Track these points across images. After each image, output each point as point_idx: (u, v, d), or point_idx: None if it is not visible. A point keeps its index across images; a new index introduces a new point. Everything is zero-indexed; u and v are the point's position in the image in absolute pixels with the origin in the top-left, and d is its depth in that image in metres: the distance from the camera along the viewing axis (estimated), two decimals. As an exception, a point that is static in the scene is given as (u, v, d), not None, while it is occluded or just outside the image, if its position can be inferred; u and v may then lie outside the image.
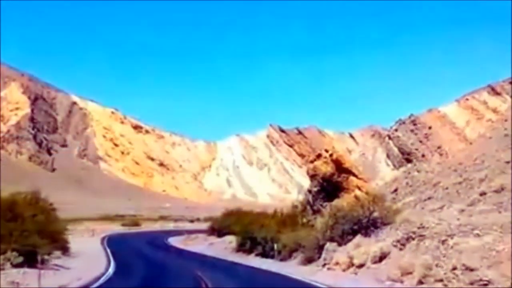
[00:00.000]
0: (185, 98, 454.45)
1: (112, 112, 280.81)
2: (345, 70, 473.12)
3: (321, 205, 39.79)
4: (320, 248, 29.93)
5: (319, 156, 40.77)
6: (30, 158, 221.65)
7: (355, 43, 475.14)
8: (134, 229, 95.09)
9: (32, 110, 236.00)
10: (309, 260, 30.68)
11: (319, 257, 29.52)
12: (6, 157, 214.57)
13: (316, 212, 39.68)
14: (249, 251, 41.13)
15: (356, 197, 37.12)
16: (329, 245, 29.21)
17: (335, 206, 33.38)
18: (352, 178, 39.64)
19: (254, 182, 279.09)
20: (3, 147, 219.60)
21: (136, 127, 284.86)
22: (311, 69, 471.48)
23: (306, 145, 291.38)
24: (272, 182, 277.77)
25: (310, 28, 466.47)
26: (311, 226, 36.42)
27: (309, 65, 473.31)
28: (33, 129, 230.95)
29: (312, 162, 41.00)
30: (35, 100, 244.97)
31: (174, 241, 63.19)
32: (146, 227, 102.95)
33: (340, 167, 39.45)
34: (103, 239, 63.06)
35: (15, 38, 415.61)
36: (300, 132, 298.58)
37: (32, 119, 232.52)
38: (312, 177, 40.12)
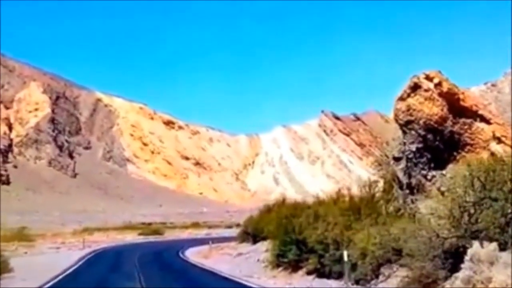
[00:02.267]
0: (221, 88, 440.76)
1: (140, 108, 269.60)
2: (406, 44, 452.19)
3: (425, 177, 23.49)
4: (446, 257, 15.27)
5: (415, 87, 23.82)
6: (49, 163, 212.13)
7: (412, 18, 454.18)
8: (151, 238, 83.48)
9: (53, 111, 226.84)
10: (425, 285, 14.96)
11: (447, 275, 15.02)
12: (24, 163, 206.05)
13: (414, 190, 23.58)
14: (295, 266, 25.49)
15: (493, 154, 20.86)
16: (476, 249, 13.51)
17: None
18: (479, 124, 23.13)
19: (305, 178, 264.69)
20: (21, 152, 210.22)
21: (168, 123, 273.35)
22: (365, 46, 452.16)
23: (366, 133, 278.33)
24: (327, 178, 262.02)
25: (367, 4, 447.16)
26: (410, 216, 21.39)
27: (363, 42, 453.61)
28: (53, 131, 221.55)
29: (403, 99, 24.00)
30: (56, 100, 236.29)
31: (192, 253, 48.86)
32: (170, 235, 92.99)
33: (456, 106, 23.09)
34: (88, 254, 48.50)
35: (36, 36, 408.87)
36: (358, 118, 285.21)
37: (52, 120, 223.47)
38: (406, 126, 23.56)
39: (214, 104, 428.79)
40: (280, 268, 27.34)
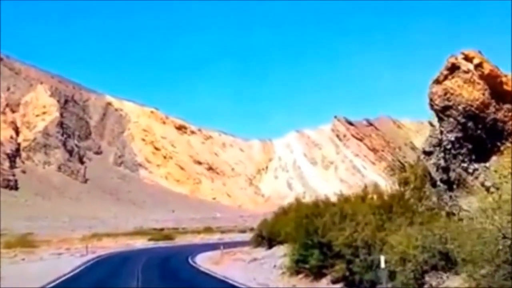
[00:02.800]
0: (234, 93, 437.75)
1: (152, 112, 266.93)
2: (418, 49, 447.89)
3: (466, 170, 20.23)
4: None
5: (453, 68, 20.58)
6: (59, 168, 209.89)
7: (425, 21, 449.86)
8: (162, 244, 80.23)
9: (62, 114, 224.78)
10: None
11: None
12: (32, 168, 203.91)
13: (453, 185, 20.37)
14: (318, 273, 22.41)
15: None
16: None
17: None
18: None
19: (319, 183, 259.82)
20: (29, 157, 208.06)
21: (180, 128, 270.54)
22: (378, 52, 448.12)
23: (379, 138, 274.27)
24: (341, 183, 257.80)
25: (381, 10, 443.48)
26: (449, 214, 18.39)
27: (376, 47, 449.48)
28: (62, 135, 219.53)
29: (439, 81, 20.76)
30: (65, 103, 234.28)
31: (203, 259, 45.62)
32: (181, 240, 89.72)
33: (499, 90, 19.86)
34: (90, 260, 45.48)
35: (42, 38, 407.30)
36: (370, 124, 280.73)
37: (61, 125, 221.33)
38: (443, 112, 20.35)
39: (226, 109, 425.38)
40: (301, 276, 24.18)
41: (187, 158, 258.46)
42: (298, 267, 24.54)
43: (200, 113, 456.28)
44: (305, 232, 23.47)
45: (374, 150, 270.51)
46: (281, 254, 30.98)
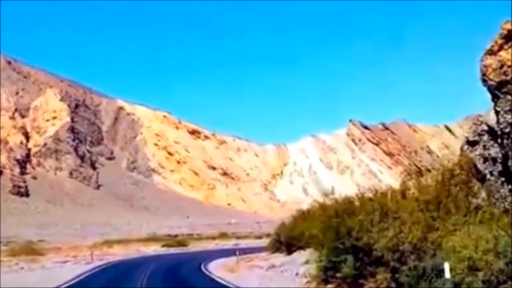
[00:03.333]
0: (248, 97, 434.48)
1: (165, 116, 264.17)
2: (434, 52, 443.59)
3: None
4: None
5: (510, 36, 17.05)
6: (71, 174, 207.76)
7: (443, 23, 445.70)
8: (174, 250, 77.83)
9: (72, 119, 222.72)
10: None
11: None
12: (43, 174, 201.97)
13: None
14: (352, 283, 19.02)
15: None
16: None
17: None
18: None
19: (335, 188, 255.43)
20: (40, 163, 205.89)
21: (194, 132, 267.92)
22: (393, 55, 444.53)
23: (395, 142, 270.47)
24: (357, 188, 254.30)
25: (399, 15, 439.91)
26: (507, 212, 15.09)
27: (391, 50, 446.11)
28: (73, 140, 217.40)
29: (493, 52, 17.21)
30: (75, 108, 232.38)
31: (216, 266, 42.23)
32: (195, 247, 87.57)
33: None
34: (93, 268, 42.23)
35: (52, 41, 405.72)
36: (386, 128, 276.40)
37: (72, 130, 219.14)
38: (499, 88, 16.81)
39: (241, 114, 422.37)
40: (330, 286, 20.64)
41: (201, 163, 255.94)
42: (326, 275, 20.99)
43: (214, 118, 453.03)
44: (335, 234, 19.91)
45: (390, 155, 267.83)
46: (303, 260, 27.63)
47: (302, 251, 31.36)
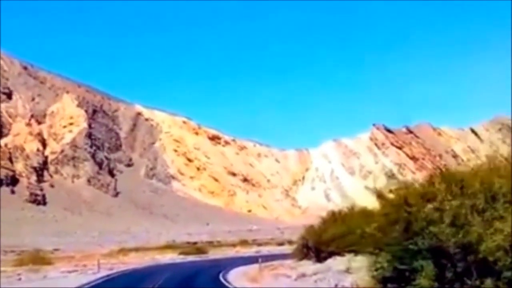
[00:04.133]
0: (269, 101, 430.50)
1: (184, 122, 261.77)
2: (457, 55, 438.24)
3: None
4: None
5: None
6: (89, 182, 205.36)
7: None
8: (192, 258, 73.74)
9: (90, 125, 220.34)
10: None
11: None
12: (61, 182, 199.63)
13: None
14: None
15: None
16: None
17: None
18: None
19: (358, 194, 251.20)
20: (57, 170, 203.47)
21: (213, 138, 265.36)
22: (416, 58, 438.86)
23: (419, 146, 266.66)
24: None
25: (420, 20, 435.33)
26: None
27: (415, 53, 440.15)
28: (91, 147, 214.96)
29: None
30: (93, 114, 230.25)
31: (237, 275, 38.16)
32: (214, 254, 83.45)
33: None
34: (99, 279, 38.26)
35: (68, 46, 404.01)
36: (410, 131, 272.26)
37: (90, 136, 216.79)
38: None
39: (261, 118, 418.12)
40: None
41: (221, 170, 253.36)
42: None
43: (234, 123, 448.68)
44: (403, 232, 14.78)
45: (414, 159, 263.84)
46: (341, 268, 23.19)
47: (337, 257, 26.89)
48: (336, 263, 25.99)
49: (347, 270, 21.67)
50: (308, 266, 33.30)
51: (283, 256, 50.79)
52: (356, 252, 28.03)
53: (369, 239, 16.96)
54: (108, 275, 40.85)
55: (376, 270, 15.75)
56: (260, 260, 40.43)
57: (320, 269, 26.75)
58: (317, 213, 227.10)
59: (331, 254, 34.04)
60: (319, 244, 35.50)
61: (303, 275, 27.16)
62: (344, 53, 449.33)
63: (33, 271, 47.75)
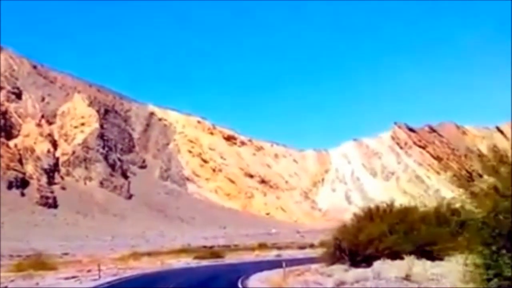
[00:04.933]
0: (286, 100, 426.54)
1: (199, 122, 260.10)
2: (480, 52, 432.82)
3: None
4: None
5: None
6: (101, 184, 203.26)
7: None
8: (207, 262, 69.40)
9: (102, 126, 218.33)
10: None
11: None
12: (72, 184, 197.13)
13: None
14: None
15: None
16: None
17: None
18: None
19: (380, 195, 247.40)
20: (69, 172, 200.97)
21: (229, 138, 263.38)
22: (438, 56, 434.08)
23: (443, 145, 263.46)
24: (404, 194, 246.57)
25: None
26: None
27: (436, 52, 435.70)
28: (103, 148, 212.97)
29: None
30: (105, 114, 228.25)
31: (259, 282, 33.89)
32: (231, 258, 79.37)
33: None
34: (96, 286, 34.01)
35: (80, 46, 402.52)
36: (433, 130, 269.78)
37: (102, 137, 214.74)
38: None
39: (278, 118, 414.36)
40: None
41: (238, 171, 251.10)
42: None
43: (250, 123, 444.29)
44: None
45: (438, 159, 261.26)
46: (394, 274, 18.42)
47: (387, 261, 22.27)
48: (386, 268, 21.30)
49: (407, 277, 17.10)
50: (343, 271, 28.71)
51: (308, 260, 47.38)
52: (417, 255, 23.52)
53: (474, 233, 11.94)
54: (109, 282, 36.72)
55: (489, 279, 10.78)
56: (284, 264, 35.81)
57: (362, 275, 22.07)
58: (338, 216, 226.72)
59: (367, 258, 29.61)
60: (354, 245, 30.95)
61: (342, 283, 22.48)
62: (364, 51, 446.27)
63: (29, 277, 43.83)
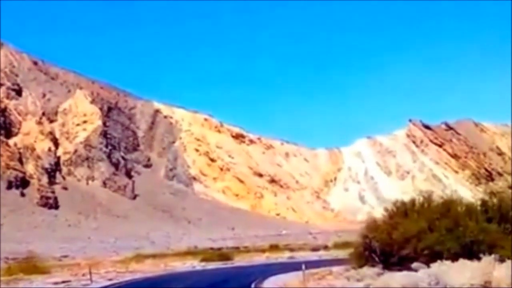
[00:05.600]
0: (296, 97, 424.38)
1: (205, 119, 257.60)
2: (499, 47, 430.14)
3: None
4: None
5: None
6: (104, 184, 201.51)
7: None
8: (214, 265, 67.07)
9: (105, 123, 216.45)
10: None
11: None
12: (74, 184, 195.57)
13: None
14: None
15: None
16: None
17: None
18: None
19: (395, 195, 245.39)
20: (70, 171, 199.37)
21: (237, 136, 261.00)
22: (455, 50, 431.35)
23: (460, 143, 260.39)
24: (420, 195, 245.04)
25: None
26: None
27: (452, 46, 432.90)
28: (106, 146, 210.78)
29: None
30: (108, 111, 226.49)
31: (276, 285, 31.32)
32: (241, 260, 78.50)
33: None
34: None
35: (82, 41, 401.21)
36: (450, 128, 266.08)
37: (105, 135, 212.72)
38: None
39: (289, 115, 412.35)
40: None
41: (247, 170, 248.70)
42: None
43: (259, 120, 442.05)
44: None
45: (456, 157, 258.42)
46: (463, 279, 14.51)
47: (447, 262, 18.46)
48: (445, 270, 17.34)
49: (486, 285, 13.20)
50: (375, 275, 24.91)
51: (326, 263, 45.96)
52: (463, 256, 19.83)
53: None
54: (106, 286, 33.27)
55: None
56: (304, 266, 32.06)
57: (409, 280, 18.12)
58: (351, 217, 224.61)
59: (403, 259, 25.93)
60: (388, 245, 27.17)
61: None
62: (377, 47, 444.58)
63: (14, 282, 40.76)
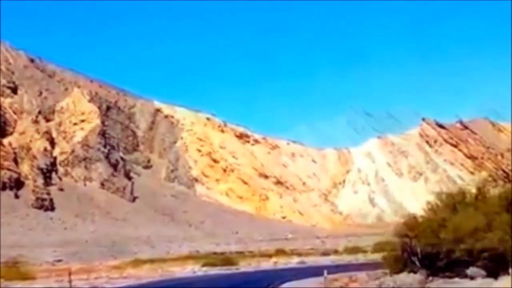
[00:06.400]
0: (303, 96, 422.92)
1: (208, 119, 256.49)
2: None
3: None
4: None
5: None
6: (102, 185, 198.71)
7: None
8: (218, 271, 64.73)
9: (103, 123, 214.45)
10: None
11: None
12: (71, 185, 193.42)
13: None
14: None
15: None
16: None
17: None
18: None
19: (407, 198, 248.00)
20: (67, 172, 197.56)
21: (241, 136, 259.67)
22: (469, 47, 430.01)
23: (476, 143, 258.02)
24: (433, 197, 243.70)
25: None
26: None
27: (468, 43, 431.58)
28: (105, 147, 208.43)
29: None
30: (107, 110, 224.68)
31: None
32: (246, 266, 76.47)
33: None
34: None
35: (81, 39, 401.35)
36: (465, 127, 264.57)
37: (103, 134, 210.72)
38: None
39: (295, 115, 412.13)
40: None
41: (251, 171, 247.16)
42: None
43: (264, 119, 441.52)
44: None
45: (472, 158, 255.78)
46: None
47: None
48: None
49: None
50: (421, 284, 20.47)
51: (343, 268, 43.74)
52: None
53: None
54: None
55: None
56: (326, 272, 27.78)
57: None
58: (360, 220, 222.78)
59: (453, 263, 21.66)
60: (433, 246, 22.81)
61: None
62: (389, 45, 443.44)
63: None
